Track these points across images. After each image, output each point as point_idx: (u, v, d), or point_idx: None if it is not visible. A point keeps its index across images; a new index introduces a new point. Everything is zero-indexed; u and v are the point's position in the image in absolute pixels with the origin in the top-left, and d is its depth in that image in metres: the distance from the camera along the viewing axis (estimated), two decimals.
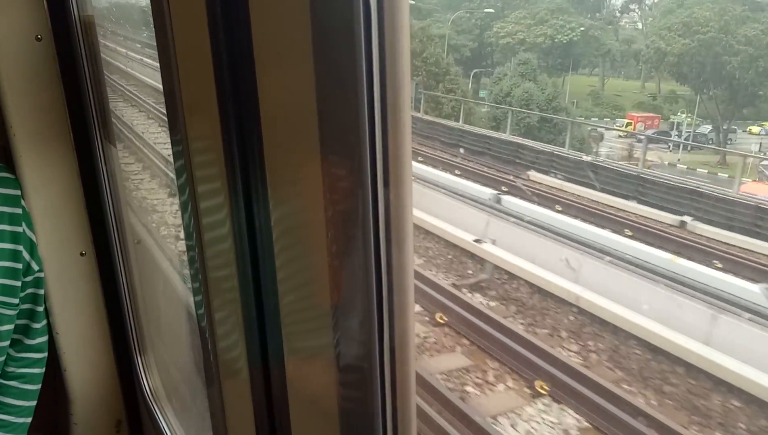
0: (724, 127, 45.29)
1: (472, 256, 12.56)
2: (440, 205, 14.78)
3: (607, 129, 40.44)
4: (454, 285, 11.21)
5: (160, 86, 0.90)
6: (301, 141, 0.64)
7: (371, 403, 0.69)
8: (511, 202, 16.21)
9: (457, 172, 20.42)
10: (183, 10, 0.79)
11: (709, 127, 47.20)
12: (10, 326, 1.71)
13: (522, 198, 17.22)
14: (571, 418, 7.55)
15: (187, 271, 1.03)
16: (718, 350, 8.74)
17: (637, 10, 65.11)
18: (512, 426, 7.41)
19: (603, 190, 19.26)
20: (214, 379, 0.99)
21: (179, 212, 0.99)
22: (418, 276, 10.48)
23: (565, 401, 7.77)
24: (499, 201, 16.08)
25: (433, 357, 8.87)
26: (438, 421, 6.81)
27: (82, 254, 1.99)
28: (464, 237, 12.95)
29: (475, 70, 54.50)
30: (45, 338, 1.86)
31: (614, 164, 22.42)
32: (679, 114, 48.39)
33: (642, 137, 40.78)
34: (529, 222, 13.73)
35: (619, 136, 43.42)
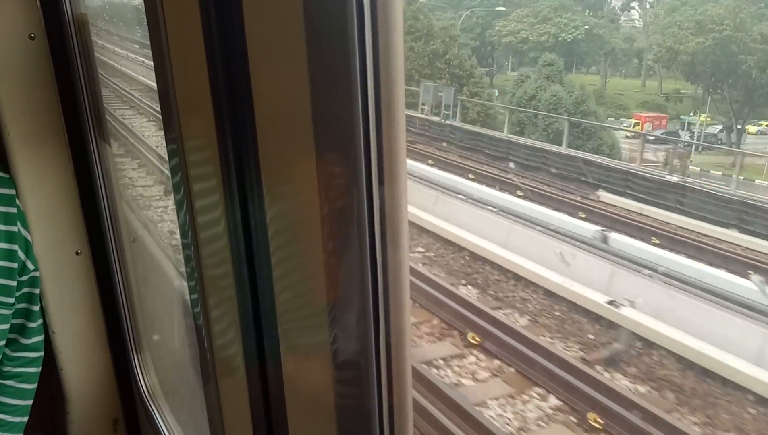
0: (738, 127, 44.15)
1: (598, 317, 9.61)
2: (527, 240, 12.22)
3: (614, 129, 39.44)
4: (584, 360, 8.58)
5: (154, 84, 0.90)
6: (296, 139, 0.65)
7: (368, 400, 0.69)
8: (623, 242, 12.68)
9: (519, 193, 17.29)
10: (176, 9, 0.79)
11: (718, 127, 46.03)
12: (6, 326, 1.70)
13: (630, 235, 13.89)
14: None
15: (183, 269, 1.03)
16: None
17: (637, 8, 64.26)
18: None
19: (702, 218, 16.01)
20: (211, 377, 0.99)
21: (174, 210, 0.99)
22: (528, 343, 8.41)
23: None
24: (605, 240, 12.77)
25: None
26: None
27: (77, 253, 1.99)
28: (591, 296, 9.86)
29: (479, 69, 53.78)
30: (41, 337, 1.86)
31: (697, 183, 18.65)
32: (691, 114, 47.26)
33: (650, 137, 39.10)
34: (664, 274, 10.44)
35: (626, 137, 41.75)
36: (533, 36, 54.46)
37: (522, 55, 58.53)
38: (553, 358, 8.02)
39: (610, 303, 9.60)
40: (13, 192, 1.74)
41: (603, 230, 13.38)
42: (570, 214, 15.02)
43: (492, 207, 14.34)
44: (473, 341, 8.70)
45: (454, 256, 12.37)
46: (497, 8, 55.33)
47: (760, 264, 12.75)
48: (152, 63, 0.89)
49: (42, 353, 1.87)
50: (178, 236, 1.03)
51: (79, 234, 1.99)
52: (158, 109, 0.93)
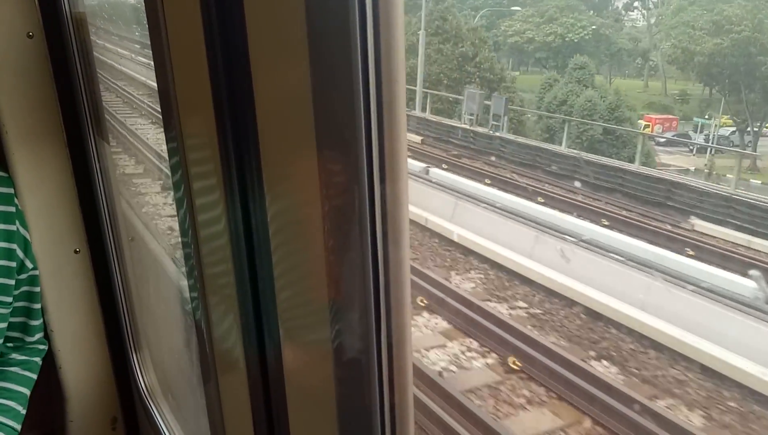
0: (755, 129, 42.37)
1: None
2: (650, 290, 9.70)
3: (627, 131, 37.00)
4: None
5: (154, 84, 0.91)
6: (297, 137, 0.65)
7: (369, 398, 0.69)
8: None
9: (605, 221, 14.28)
10: (177, 7, 0.79)
11: (730, 129, 44.12)
12: (4, 324, 1.70)
13: None
14: None
15: (183, 267, 1.03)
16: None
17: (640, 8, 63.29)
18: None
19: None
20: (211, 375, 0.99)
21: (174, 207, 0.99)
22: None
23: None
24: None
25: None
26: None
27: (76, 252, 1.99)
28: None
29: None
30: (42, 334, 1.87)
31: None
32: (706, 117, 45.66)
33: (662, 139, 38.28)
34: None
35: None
36: (539, 36, 53.02)
37: (528, 56, 57.59)
38: None
39: None
40: (11, 191, 1.74)
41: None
42: (677, 252, 11.96)
43: (584, 243, 11.60)
44: None
45: (565, 313, 9.76)
46: (513, 8, 53.28)
47: None
48: (152, 62, 0.90)
49: (46, 346, 1.88)
50: (177, 234, 1.03)
51: (78, 232, 1.99)
52: (158, 108, 0.93)
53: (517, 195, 15.59)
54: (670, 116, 47.85)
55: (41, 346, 1.86)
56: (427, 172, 17.17)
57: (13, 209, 1.71)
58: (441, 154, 21.38)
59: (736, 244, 13.95)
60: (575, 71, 34.62)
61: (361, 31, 0.55)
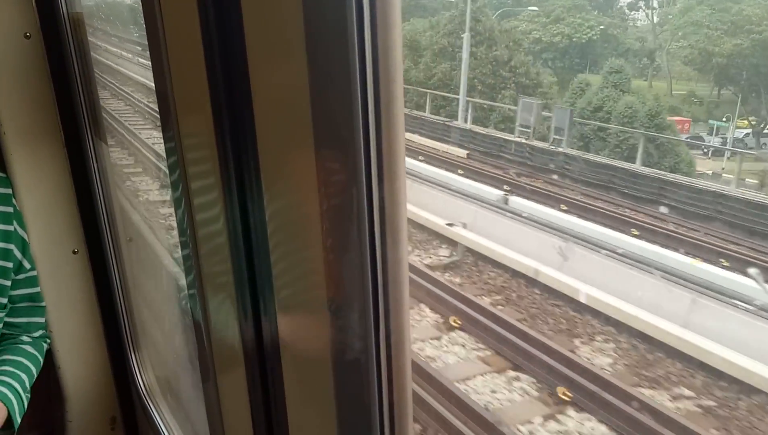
0: None
1: None
2: None
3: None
4: None
5: (152, 84, 0.91)
6: (295, 136, 0.65)
7: (368, 396, 0.69)
8: None
9: (724, 261, 11.78)
10: (174, 7, 0.79)
11: (744, 131, 42.50)
12: None
13: None
14: None
15: (181, 266, 1.04)
16: None
17: (644, 8, 62.21)
18: None
19: None
20: (210, 374, 1.00)
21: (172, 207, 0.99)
22: None
23: None
24: None
25: None
26: None
27: (74, 252, 1.99)
28: None
29: None
30: (45, 331, 1.86)
31: None
32: (723, 119, 43.81)
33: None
34: None
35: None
36: (546, 37, 51.65)
37: (534, 57, 56.50)
38: None
39: None
40: (9, 191, 1.74)
41: None
42: None
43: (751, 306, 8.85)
44: None
45: (747, 404, 7.33)
46: (530, 8, 50.38)
47: None
48: (150, 62, 0.90)
49: (48, 344, 1.88)
50: (176, 233, 1.03)
51: (76, 233, 1.99)
52: (156, 108, 0.93)
53: (607, 226, 13.09)
54: (682, 118, 45.58)
55: (45, 343, 1.85)
56: (506, 202, 14.15)
57: (11, 209, 1.71)
58: (497, 172, 18.60)
59: None
60: (611, 75, 31.84)
61: (359, 30, 0.55)
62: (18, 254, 1.71)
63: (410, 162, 17.37)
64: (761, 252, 12.50)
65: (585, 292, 9.60)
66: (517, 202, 14.21)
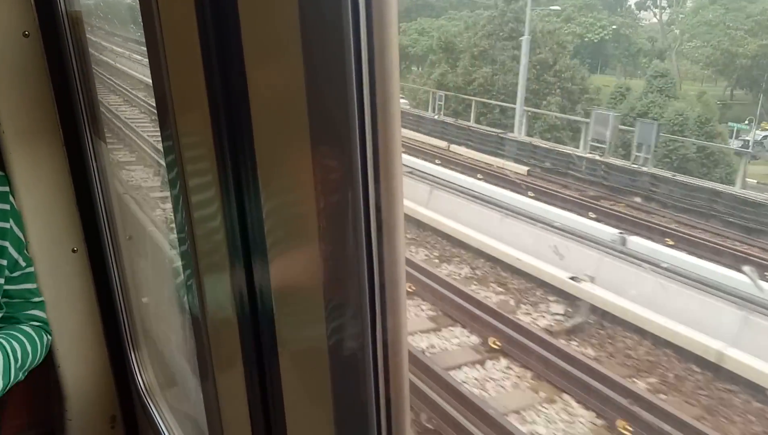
0: None
1: None
2: None
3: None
4: None
5: (149, 81, 0.91)
6: (292, 135, 0.65)
7: (365, 394, 0.69)
8: None
9: None
10: (172, 6, 0.79)
11: (763, 133, 39.92)
12: None
13: None
14: None
15: (179, 263, 1.04)
16: None
17: (652, 7, 61.20)
18: None
19: None
20: (209, 373, 1.00)
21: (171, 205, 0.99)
22: None
23: None
24: None
25: None
26: None
27: (73, 251, 1.99)
28: None
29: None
30: (45, 325, 1.86)
31: None
32: (745, 122, 40.77)
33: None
34: None
35: None
36: (558, 36, 50.79)
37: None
38: None
39: None
40: (6, 189, 1.74)
41: None
42: None
43: None
44: None
45: None
46: (551, 7, 47.25)
47: None
48: (147, 60, 0.90)
49: (50, 338, 1.87)
50: (174, 230, 1.03)
51: (75, 231, 1.99)
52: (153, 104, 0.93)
53: (731, 266, 10.65)
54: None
55: (45, 334, 1.83)
56: (624, 243, 11.65)
57: (7, 207, 1.71)
58: (571, 194, 16.35)
59: None
60: (655, 79, 29.37)
61: (355, 29, 0.55)
62: (13, 252, 1.71)
63: (468, 180, 16.04)
64: None
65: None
66: (640, 245, 11.49)
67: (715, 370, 7.98)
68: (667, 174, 17.39)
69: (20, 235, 1.75)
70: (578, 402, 7.28)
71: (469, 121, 26.61)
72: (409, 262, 10.21)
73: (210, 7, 0.70)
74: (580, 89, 31.00)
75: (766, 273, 10.47)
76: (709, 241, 12.82)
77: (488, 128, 24.52)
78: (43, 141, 1.87)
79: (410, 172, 16.10)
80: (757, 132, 39.75)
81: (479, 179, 16.97)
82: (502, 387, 7.73)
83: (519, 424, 6.81)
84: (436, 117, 26.64)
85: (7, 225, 1.69)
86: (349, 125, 0.58)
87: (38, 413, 2.26)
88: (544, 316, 9.68)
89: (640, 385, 7.68)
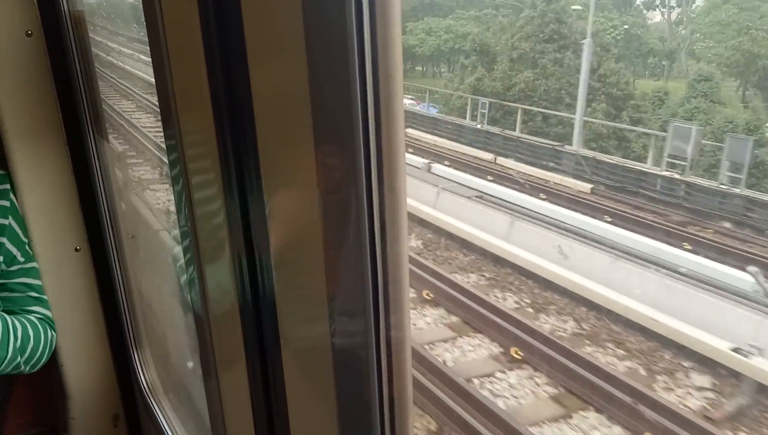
0: None
1: None
2: None
3: None
4: None
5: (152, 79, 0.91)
6: (295, 133, 0.65)
7: (368, 392, 0.69)
8: None
9: None
10: (174, 6, 0.79)
11: None
12: None
13: None
14: None
15: (182, 262, 1.04)
16: None
17: (661, 7, 60.20)
18: None
19: None
20: (211, 371, 1.00)
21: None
22: None
23: None
24: None
25: None
26: None
27: (76, 250, 2.00)
28: None
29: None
30: (49, 312, 1.84)
31: None
32: None
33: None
34: None
35: None
36: None
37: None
38: None
39: None
40: (7, 187, 1.75)
41: None
42: None
43: None
44: None
45: None
46: (573, 7, 44.87)
47: None
48: (150, 59, 0.90)
49: (54, 334, 1.86)
50: (177, 229, 1.03)
51: (78, 230, 1.99)
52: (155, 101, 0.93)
53: None
54: None
55: (50, 328, 1.82)
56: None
57: (7, 204, 1.72)
58: (654, 219, 14.38)
59: None
60: (699, 83, 27.80)
61: (358, 27, 0.55)
62: (11, 247, 1.71)
63: (531, 201, 14.65)
64: None
65: None
66: None
67: None
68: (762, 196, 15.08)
69: (20, 232, 1.75)
70: None
71: (513, 130, 24.15)
72: (503, 313, 9.05)
73: (213, 7, 0.70)
74: (625, 95, 28.54)
75: None
76: None
77: (542, 140, 22.22)
78: (46, 140, 1.87)
79: (457, 187, 15.00)
80: None
81: (543, 199, 15.30)
82: None
83: None
84: (478, 126, 24.38)
85: (6, 221, 1.70)
86: (352, 123, 0.58)
87: (41, 412, 2.27)
88: (692, 395, 7.60)
89: None
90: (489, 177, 17.86)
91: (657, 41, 53.63)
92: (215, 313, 0.92)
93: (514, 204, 14.18)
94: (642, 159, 20.68)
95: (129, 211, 2.29)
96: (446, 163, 19.38)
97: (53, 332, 1.85)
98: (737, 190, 15.05)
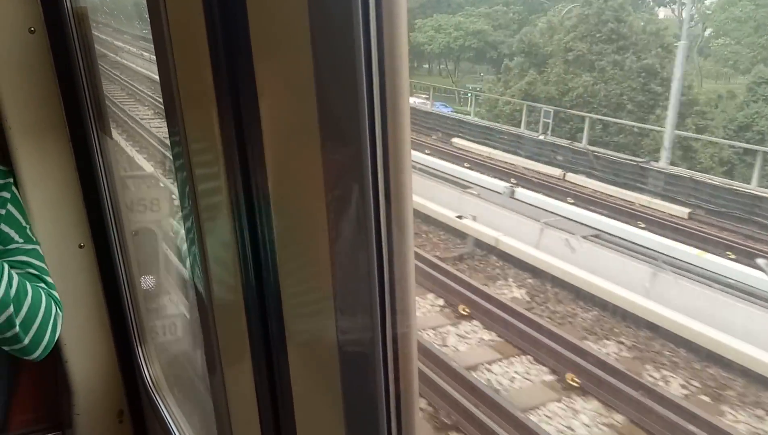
0: None
1: None
2: None
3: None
4: None
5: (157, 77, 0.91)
6: (301, 129, 0.65)
7: (374, 387, 0.70)
8: None
9: None
10: (179, 2, 0.79)
11: None
12: None
13: None
14: None
15: (187, 259, 1.04)
16: None
17: (670, 4, 58.62)
18: None
19: None
20: (216, 367, 1.00)
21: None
22: None
23: None
24: None
25: None
26: None
27: (80, 246, 2.00)
28: None
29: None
30: (55, 292, 1.74)
31: None
32: None
33: None
34: None
35: None
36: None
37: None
38: None
39: None
40: (10, 180, 1.76)
41: None
42: None
43: None
44: None
45: None
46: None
47: None
48: (154, 56, 0.90)
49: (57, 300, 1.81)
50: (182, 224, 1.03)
51: (82, 227, 1.99)
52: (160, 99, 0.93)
53: None
54: None
55: (55, 304, 1.71)
56: None
57: (8, 195, 1.72)
58: None
59: None
60: (760, 86, 24.58)
61: (364, 23, 0.55)
62: (8, 230, 1.66)
63: (627, 229, 12.23)
64: None
65: None
66: None
67: None
68: None
69: (20, 218, 1.72)
70: None
71: (576, 140, 20.91)
72: (677, 407, 6.80)
73: (218, 4, 0.70)
74: (689, 100, 25.10)
75: None
76: None
77: (622, 155, 19.07)
78: (50, 137, 1.87)
79: (561, 222, 12.27)
80: None
81: (642, 228, 12.86)
82: None
83: None
84: (540, 137, 20.97)
85: (2, 211, 1.69)
86: (358, 118, 0.58)
87: (46, 408, 2.27)
88: None
89: None
90: (569, 199, 15.01)
91: (672, 38, 52.55)
92: (220, 308, 0.93)
93: (655, 251, 11.11)
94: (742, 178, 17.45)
95: (133, 210, 2.29)
96: (515, 181, 16.27)
97: (59, 310, 1.72)
98: None
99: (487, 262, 11.56)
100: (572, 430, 6.78)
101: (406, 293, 0.65)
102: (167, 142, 0.97)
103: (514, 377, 7.82)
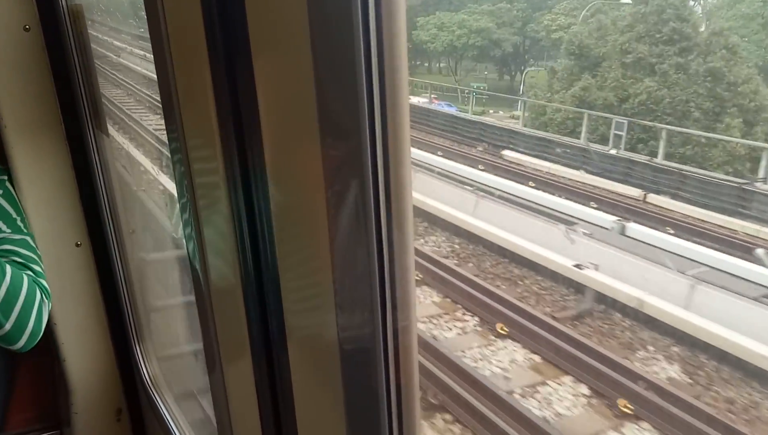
0: None
1: None
2: None
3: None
4: None
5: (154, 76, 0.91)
6: (301, 126, 0.65)
7: (375, 382, 0.70)
8: None
9: None
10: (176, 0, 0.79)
11: None
12: None
13: None
14: None
15: (187, 255, 1.04)
16: None
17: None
18: None
19: None
20: (216, 364, 1.00)
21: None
22: None
23: None
24: None
25: None
26: None
27: (77, 245, 2.00)
28: None
29: (524, 68, 45.29)
30: (44, 282, 1.71)
31: None
32: None
33: None
34: None
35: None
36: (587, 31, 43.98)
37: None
38: None
39: None
40: (4, 178, 1.76)
41: None
42: None
43: None
44: None
45: None
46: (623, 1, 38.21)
47: None
48: (152, 54, 0.90)
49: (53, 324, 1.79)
50: (180, 225, 1.03)
51: (79, 225, 1.99)
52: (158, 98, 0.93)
53: None
54: None
55: (42, 293, 1.66)
56: None
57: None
58: None
59: None
60: None
61: (364, 20, 0.55)
62: None
63: (715, 255, 9.86)
64: None
65: None
66: None
67: None
68: None
69: (11, 211, 1.70)
70: None
71: (655, 157, 18.20)
72: None
73: (216, 1, 0.70)
74: (758, 107, 22.77)
75: None
76: None
77: (719, 175, 16.19)
78: (46, 135, 1.87)
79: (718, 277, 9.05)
80: None
81: (746, 260, 10.04)
82: None
83: None
84: (613, 152, 18.37)
85: None
86: (358, 115, 0.58)
87: (45, 407, 2.27)
88: None
89: None
90: (668, 228, 12.48)
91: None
92: (220, 305, 0.93)
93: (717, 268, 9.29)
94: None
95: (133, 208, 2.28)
96: (588, 202, 13.94)
97: (45, 298, 1.67)
98: None
99: (612, 322, 8.82)
100: None
101: (406, 287, 0.66)
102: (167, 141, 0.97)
103: None
